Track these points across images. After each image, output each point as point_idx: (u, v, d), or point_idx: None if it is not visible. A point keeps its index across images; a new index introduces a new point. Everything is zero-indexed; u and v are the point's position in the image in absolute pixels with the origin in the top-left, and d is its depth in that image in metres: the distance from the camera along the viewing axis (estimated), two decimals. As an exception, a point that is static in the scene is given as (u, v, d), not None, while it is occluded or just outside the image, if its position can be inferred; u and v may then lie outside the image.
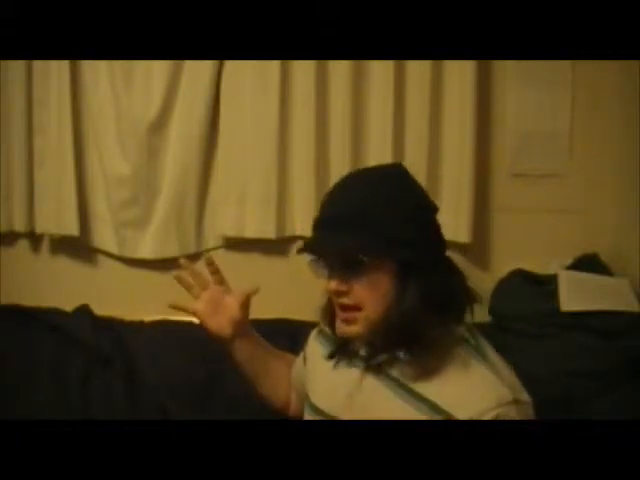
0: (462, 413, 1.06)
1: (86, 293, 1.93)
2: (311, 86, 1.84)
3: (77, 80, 1.90)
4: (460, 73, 1.84)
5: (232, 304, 1.32)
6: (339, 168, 1.83)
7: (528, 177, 1.94)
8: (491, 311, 1.80)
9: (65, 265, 1.99)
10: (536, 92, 1.91)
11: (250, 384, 1.39)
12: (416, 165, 1.86)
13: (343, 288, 1.12)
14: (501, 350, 1.17)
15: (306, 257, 1.16)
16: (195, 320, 1.34)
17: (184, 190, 1.92)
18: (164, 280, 1.87)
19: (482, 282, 1.74)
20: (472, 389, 1.07)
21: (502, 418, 1.05)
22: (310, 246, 1.16)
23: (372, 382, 1.15)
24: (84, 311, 1.86)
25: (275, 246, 1.93)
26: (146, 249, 1.94)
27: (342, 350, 1.21)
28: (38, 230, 1.95)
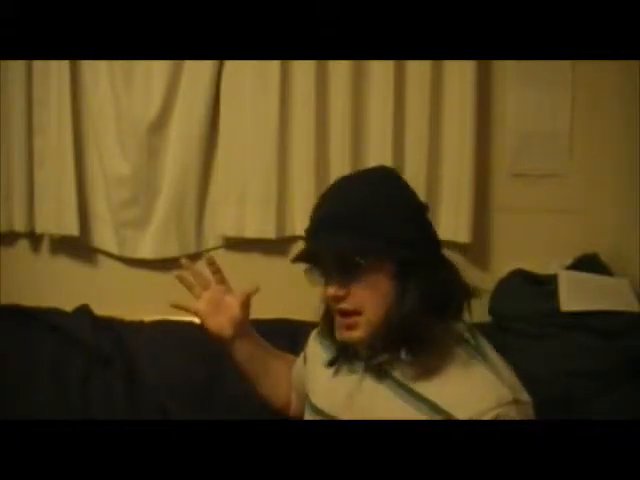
0: (462, 413, 1.06)
1: (86, 293, 1.93)
2: (311, 86, 1.84)
3: (77, 80, 1.90)
4: (460, 73, 1.84)
5: (233, 304, 1.32)
6: (339, 168, 1.83)
7: (528, 177, 1.94)
8: (491, 311, 1.80)
9: (65, 265, 1.99)
10: (536, 92, 1.91)
11: (250, 384, 1.39)
12: (416, 165, 1.87)
13: (342, 293, 1.12)
14: (501, 350, 1.17)
15: (302, 265, 1.16)
16: (195, 320, 1.34)
17: (184, 190, 1.92)
18: (164, 280, 1.88)
19: (482, 282, 1.73)
20: (472, 389, 1.07)
21: (502, 418, 1.05)
22: (306, 253, 1.15)
23: (372, 382, 1.15)
24: (84, 311, 1.86)
25: (275, 246, 1.93)
26: (146, 249, 1.94)
27: (342, 355, 1.21)
28: (38, 230, 1.95)
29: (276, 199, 1.88)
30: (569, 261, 1.84)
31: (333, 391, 1.20)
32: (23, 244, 1.99)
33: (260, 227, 1.90)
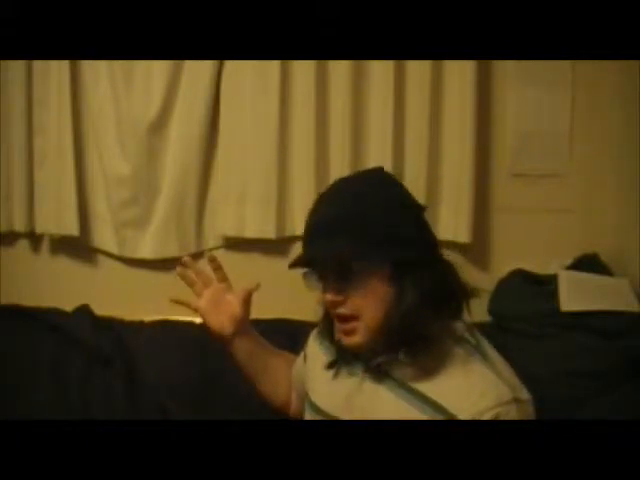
0: (463, 412, 1.06)
1: (86, 293, 1.93)
2: (311, 86, 1.84)
3: (77, 80, 1.89)
4: (460, 73, 1.84)
5: (233, 302, 1.33)
6: (339, 168, 1.83)
7: (528, 177, 1.94)
8: (491, 311, 1.80)
9: (65, 265, 1.99)
10: (536, 92, 1.91)
11: (250, 383, 1.39)
12: (416, 165, 1.87)
13: (339, 298, 1.12)
14: (501, 350, 1.17)
15: (299, 270, 1.17)
16: (196, 320, 1.34)
17: (184, 190, 1.91)
18: (164, 280, 1.88)
19: (482, 282, 1.74)
20: (472, 388, 1.07)
21: (502, 417, 1.05)
22: (303, 259, 1.16)
23: (372, 383, 1.15)
24: (84, 311, 1.86)
25: (275, 246, 1.93)
26: (146, 249, 1.94)
27: (342, 357, 1.21)
28: (38, 230, 1.94)
29: (276, 199, 1.88)
30: (569, 261, 1.84)
31: (333, 392, 1.21)
32: (23, 244, 1.99)
33: (260, 227, 1.90)
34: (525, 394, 1.10)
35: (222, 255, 1.92)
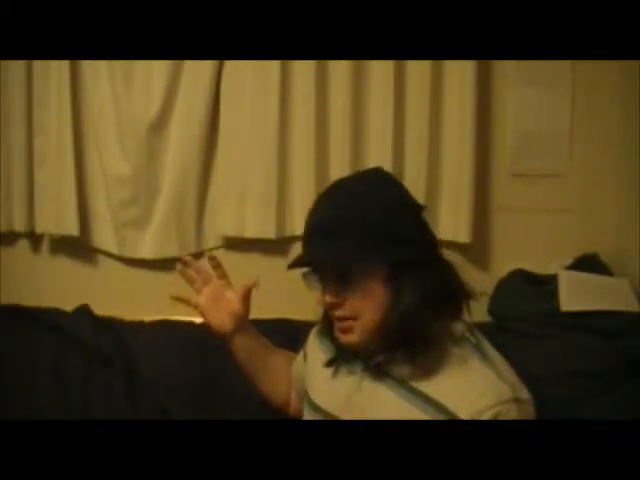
0: (463, 410, 1.06)
1: (86, 293, 1.93)
2: (311, 86, 1.84)
3: (77, 80, 1.89)
4: (460, 73, 1.84)
5: (233, 299, 1.33)
6: (339, 168, 1.83)
7: (528, 177, 1.94)
8: (491, 311, 1.80)
9: (65, 265, 1.99)
10: (536, 92, 1.91)
11: (250, 382, 1.40)
12: (416, 165, 1.87)
13: (338, 301, 1.12)
14: (501, 350, 1.17)
15: (298, 271, 1.17)
16: (196, 320, 1.34)
17: (184, 190, 1.91)
18: (164, 280, 1.88)
19: (482, 282, 1.74)
20: (472, 387, 1.08)
21: (502, 415, 1.05)
22: (302, 260, 1.16)
23: (371, 382, 1.15)
24: (84, 311, 1.86)
25: (275, 246, 1.93)
26: (146, 249, 1.94)
27: (341, 356, 1.21)
28: (38, 230, 1.94)
29: (276, 199, 1.88)
30: (569, 261, 1.84)
31: (332, 391, 1.21)
32: (23, 244, 1.99)
33: (260, 227, 1.90)
34: (525, 394, 1.10)
35: (222, 255, 1.92)
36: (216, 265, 1.36)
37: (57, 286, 1.98)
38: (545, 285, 1.77)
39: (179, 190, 1.91)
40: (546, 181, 1.94)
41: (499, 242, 1.96)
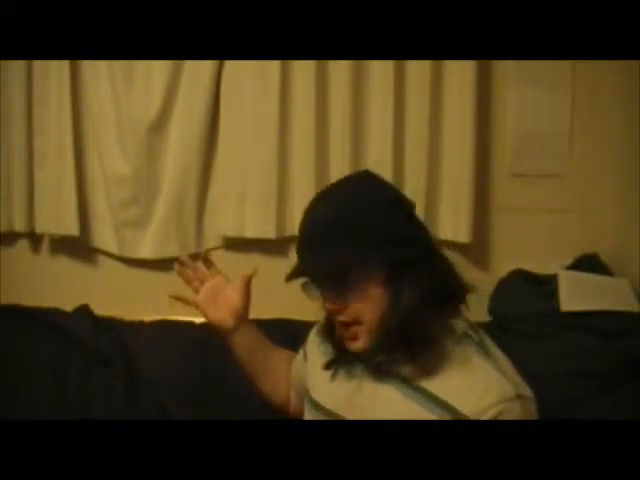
0: (466, 408, 1.06)
1: (86, 293, 1.93)
2: (311, 86, 1.84)
3: (77, 80, 1.89)
4: (460, 73, 1.84)
5: (232, 295, 1.33)
6: (339, 168, 1.83)
7: (528, 177, 1.94)
8: (491, 311, 1.80)
9: (65, 265, 1.99)
10: (536, 92, 1.91)
11: (250, 381, 1.40)
12: (416, 165, 1.87)
13: (339, 306, 1.12)
14: (501, 350, 1.17)
15: (297, 281, 1.17)
16: (196, 319, 1.34)
17: (184, 190, 1.91)
18: (164, 280, 1.88)
19: (482, 282, 1.74)
20: (476, 384, 1.08)
21: (506, 413, 1.05)
22: (299, 271, 1.16)
23: (372, 382, 1.15)
24: (84, 311, 1.86)
25: (275, 246, 1.93)
26: (146, 249, 1.94)
27: (341, 359, 1.21)
28: (38, 230, 1.94)
29: (276, 199, 1.88)
30: (569, 261, 1.84)
31: (333, 391, 1.21)
32: (23, 244, 1.99)
33: (260, 227, 1.90)
34: (528, 391, 1.10)
35: (222, 255, 1.93)
36: (209, 265, 1.37)
37: (57, 286, 1.98)
38: (545, 285, 1.77)
39: (179, 190, 1.91)
40: (546, 181, 1.94)
41: (499, 242, 1.96)
